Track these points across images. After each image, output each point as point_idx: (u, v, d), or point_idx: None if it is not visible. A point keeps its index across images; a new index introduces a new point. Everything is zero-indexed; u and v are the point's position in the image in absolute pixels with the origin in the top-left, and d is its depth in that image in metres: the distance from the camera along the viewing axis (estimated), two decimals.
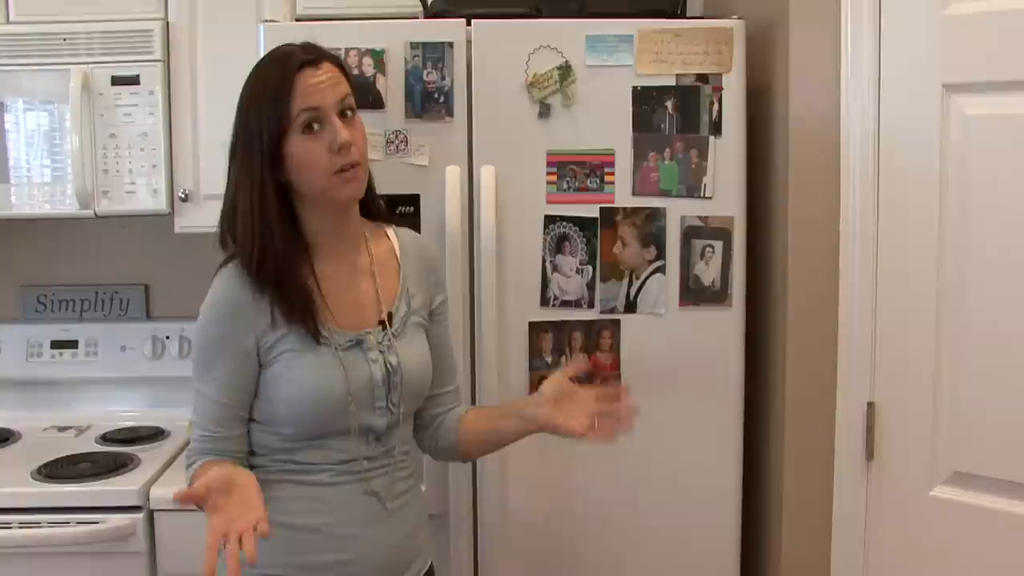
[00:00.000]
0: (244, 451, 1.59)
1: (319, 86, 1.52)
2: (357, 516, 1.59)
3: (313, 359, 1.54)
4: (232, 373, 1.55)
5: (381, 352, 1.60)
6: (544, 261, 2.02)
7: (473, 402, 2.02)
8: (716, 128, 2.00)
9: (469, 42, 1.98)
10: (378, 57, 1.96)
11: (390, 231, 1.72)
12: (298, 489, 1.57)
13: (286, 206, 1.56)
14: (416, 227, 1.98)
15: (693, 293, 2.03)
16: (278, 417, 1.56)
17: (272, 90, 1.52)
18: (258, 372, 1.56)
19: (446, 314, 1.78)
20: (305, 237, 1.59)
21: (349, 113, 1.56)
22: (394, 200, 1.93)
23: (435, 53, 1.97)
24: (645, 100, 1.99)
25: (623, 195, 2.01)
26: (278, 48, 1.58)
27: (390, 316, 1.64)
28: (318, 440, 1.57)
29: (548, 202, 2.00)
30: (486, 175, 1.97)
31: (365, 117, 1.62)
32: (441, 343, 1.75)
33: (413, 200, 1.98)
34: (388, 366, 1.60)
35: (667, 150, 2.00)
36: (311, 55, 1.54)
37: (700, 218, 2.02)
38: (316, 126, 1.52)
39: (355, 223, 1.64)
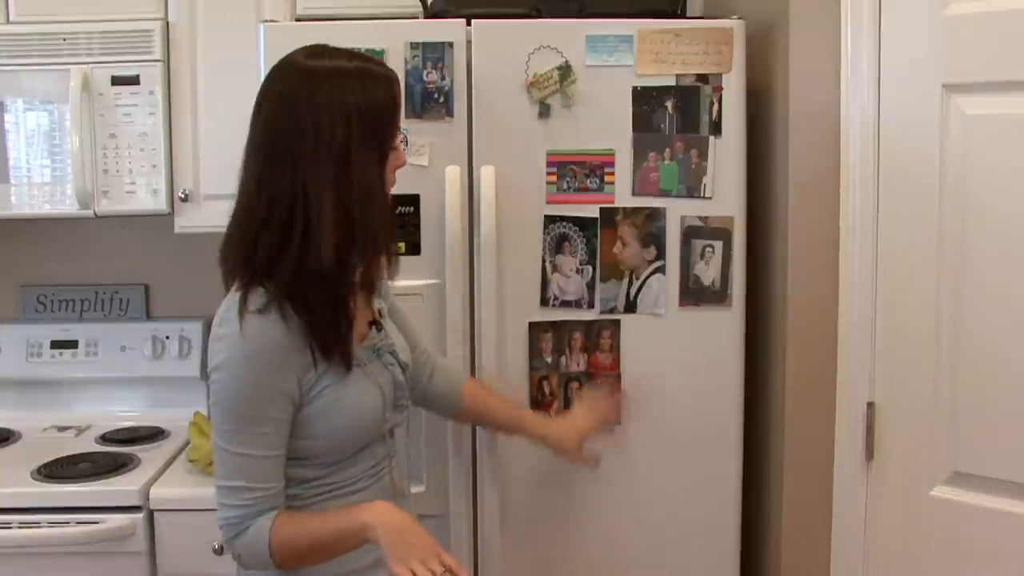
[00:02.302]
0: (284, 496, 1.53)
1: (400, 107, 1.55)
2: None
3: (352, 384, 1.52)
4: (280, 422, 1.47)
5: (389, 352, 1.62)
6: (544, 261, 2.02)
7: None
8: (716, 128, 2.00)
9: (469, 42, 1.98)
10: (378, 57, 1.96)
11: None
12: (336, 502, 1.54)
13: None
14: (416, 227, 1.98)
15: (693, 293, 2.03)
16: (317, 450, 1.52)
17: (382, 102, 1.50)
18: (295, 413, 1.49)
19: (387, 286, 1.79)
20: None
21: None
22: (394, 200, 1.92)
23: (435, 53, 1.97)
24: (645, 100, 1.99)
25: (623, 195, 2.01)
26: (364, 60, 1.54)
27: (380, 313, 1.66)
28: (353, 456, 1.56)
29: (548, 202, 2.00)
30: (486, 175, 1.97)
31: None
32: (400, 315, 1.79)
33: (413, 200, 1.98)
34: (400, 364, 1.63)
35: (667, 150, 2.00)
36: (396, 74, 1.56)
37: (700, 218, 2.02)
38: (394, 148, 1.55)
39: None
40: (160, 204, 2.44)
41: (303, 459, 1.53)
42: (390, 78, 1.53)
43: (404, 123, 1.95)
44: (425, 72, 1.97)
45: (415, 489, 1.96)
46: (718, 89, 1.99)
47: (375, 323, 1.63)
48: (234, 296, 1.47)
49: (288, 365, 1.46)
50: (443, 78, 1.97)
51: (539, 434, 1.91)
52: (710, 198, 2.01)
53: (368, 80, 1.50)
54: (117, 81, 2.41)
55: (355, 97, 1.47)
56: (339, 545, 1.48)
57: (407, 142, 1.97)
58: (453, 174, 1.97)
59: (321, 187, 1.44)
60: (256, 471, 1.46)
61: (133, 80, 2.41)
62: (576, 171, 2.00)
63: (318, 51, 1.53)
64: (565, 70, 1.98)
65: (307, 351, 1.47)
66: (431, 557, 1.40)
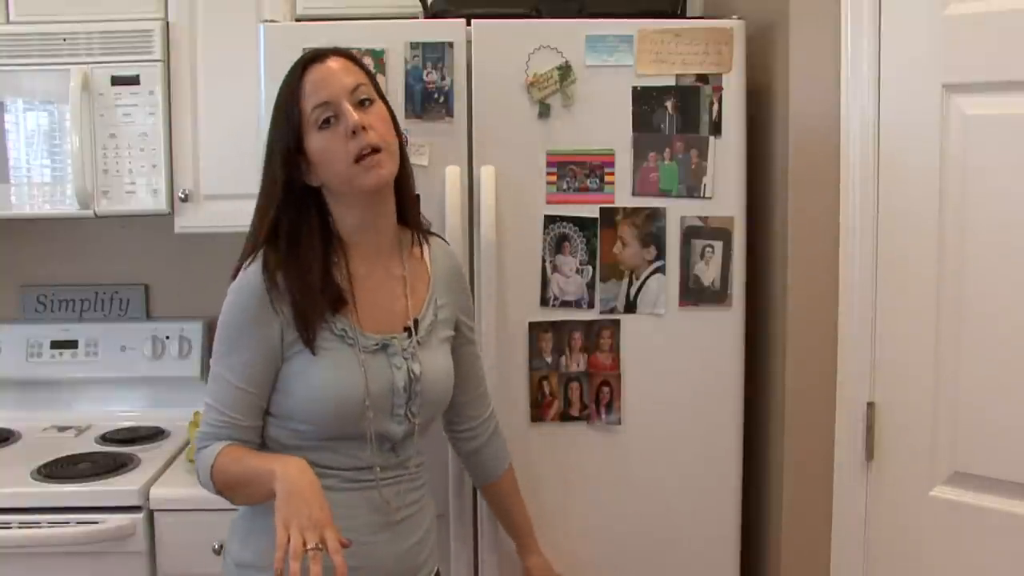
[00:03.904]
0: (257, 443, 1.58)
1: (326, 79, 1.52)
2: (363, 523, 1.57)
3: (335, 359, 1.54)
4: (256, 361, 1.53)
5: (405, 359, 1.59)
6: (544, 261, 2.02)
7: None
8: (716, 128, 2.00)
9: (469, 42, 1.98)
10: (378, 57, 1.96)
11: (424, 238, 1.72)
12: None
13: (319, 211, 1.57)
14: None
15: (693, 293, 2.03)
16: (294, 413, 1.55)
17: (285, 94, 1.54)
18: (280, 365, 1.55)
19: (473, 336, 1.81)
20: (341, 236, 1.59)
21: (367, 103, 1.55)
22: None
23: (435, 53, 1.97)
24: (645, 100, 1.99)
25: (623, 195, 2.01)
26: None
27: (416, 323, 1.63)
28: (332, 442, 1.56)
29: (548, 202, 2.00)
30: (486, 175, 1.97)
31: None
32: (469, 361, 1.80)
33: None
34: (411, 374, 1.59)
35: (667, 150, 2.00)
36: (317, 52, 1.55)
37: (700, 218, 2.02)
38: (332, 120, 1.52)
39: (390, 225, 1.63)
40: (160, 204, 2.44)
41: (281, 418, 1.56)
42: (315, 54, 1.56)
43: (404, 123, 1.97)
44: (425, 72, 1.97)
45: None
46: (718, 89, 1.99)
47: (409, 330, 1.62)
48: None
49: (271, 309, 1.52)
50: (443, 78, 1.97)
51: (522, 559, 1.95)
52: (710, 198, 2.01)
53: (288, 72, 1.57)
54: (117, 81, 2.41)
55: (278, 91, 1.57)
56: (253, 488, 1.47)
57: (407, 142, 1.96)
58: (453, 174, 1.97)
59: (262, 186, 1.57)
60: (228, 397, 1.54)
61: (133, 80, 2.41)
62: (576, 171, 2.00)
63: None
64: (565, 70, 1.98)
65: (284, 309, 1.53)
66: (313, 529, 1.34)
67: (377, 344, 1.57)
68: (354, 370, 1.54)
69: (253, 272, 1.53)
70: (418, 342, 1.62)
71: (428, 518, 1.71)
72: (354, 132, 1.50)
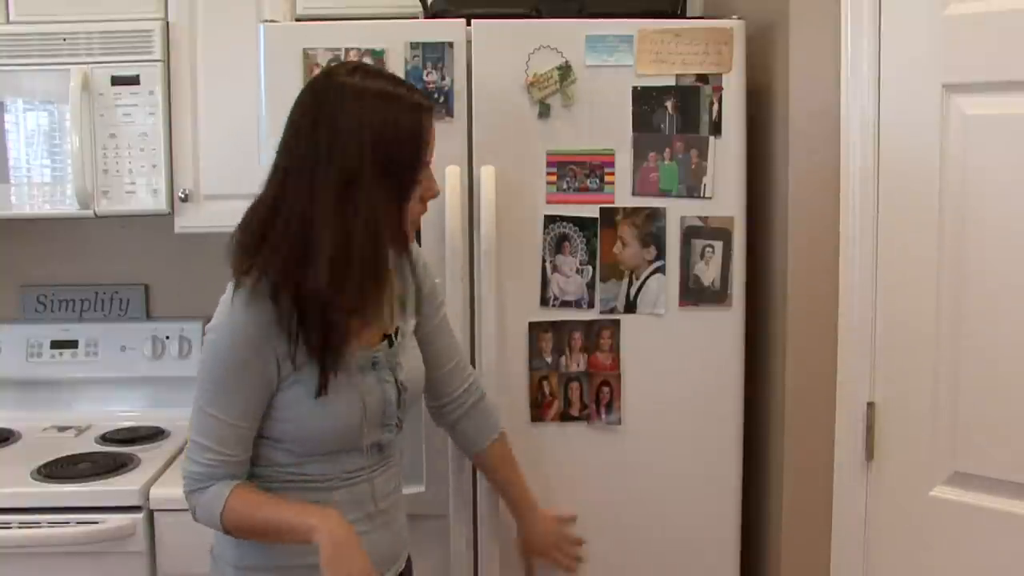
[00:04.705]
0: (249, 469, 1.57)
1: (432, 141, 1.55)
2: (360, 516, 1.60)
3: (334, 386, 1.52)
4: (252, 398, 1.51)
5: (391, 370, 1.60)
6: (544, 261, 2.02)
7: None
8: (716, 128, 2.00)
9: (469, 42, 1.98)
10: (378, 57, 1.96)
11: None
12: (303, 495, 1.56)
13: None
14: (416, 227, 1.97)
15: (693, 293, 2.03)
16: (290, 436, 1.55)
17: (409, 130, 1.51)
18: (273, 394, 1.52)
19: (442, 306, 1.81)
20: None
21: None
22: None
23: (435, 53, 1.97)
24: (645, 100, 1.99)
25: (623, 195, 2.01)
26: (397, 84, 1.54)
27: (396, 330, 1.64)
28: (326, 456, 1.57)
29: (548, 202, 2.00)
30: (486, 175, 1.97)
31: None
32: (440, 337, 1.80)
33: None
34: (399, 385, 1.61)
35: (667, 150, 2.00)
36: (430, 104, 1.56)
37: (700, 218, 2.02)
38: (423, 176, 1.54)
39: None
40: (160, 204, 2.44)
41: (276, 440, 1.55)
42: (421, 106, 1.51)
43: None
44: (425, 72, 1.97)
45: (415, 489, 1.97)
46: (718, 89, 1.99)
47: (389, 337, 1.62)
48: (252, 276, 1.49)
49: (269, 346, 1.48)
50: (443, 78, 1.97)
51: (518, 519, 1.95)
52: (710, 198, 2.01)
53: (395, 105, 1.48)
54: (117, 81, 2.41)
55: (376, 120, 1.46)
56: (283, 536, 1.51)
57: None
58: (453, 174, 1.97)
59: (326, 211, 1.44)
60: (222, 436, 1.51)
61: (133, 80, 2.41)
62: (576, 171, 2.00)
63: (358, 68, 1.53)
64: (565, 70, 1.98)
65: (290, 339, 1.48)
66: None
67: (367, 361, 1.58)
68: (350, 394, 1.54)
69: (250, 306, 1.46)
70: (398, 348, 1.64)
71: (402, 502, 1.75)
72: (428, 199, 1.56)
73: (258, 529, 1.52)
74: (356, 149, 1.44)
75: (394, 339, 1.63)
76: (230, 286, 1.50)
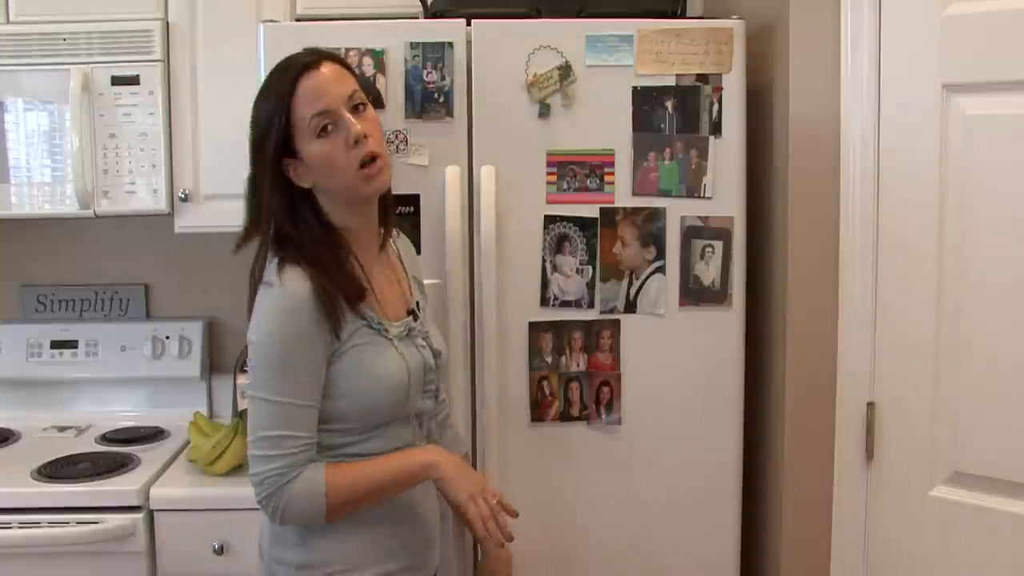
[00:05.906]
0: None
1: (324, 87, 1.53)
2: (416, 493, 1.63)
3: (381, 350, 1.57)
4: (316, 373, 1.52)
5: (424, 339, 1.67)
6: (544, 261, 2.02)
7: (472, 401, 2.02)
8: (716, 128, 2.00)
9: (469, 42, 1.98)
10: (378, 57, 1.96)
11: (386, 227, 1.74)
12: None
13: (313, 211, 1.57)
14: (416, 227, 1.98)
15: (693, 293, 2.03)
16: (340, 412, 1.56)
17: (275, 98, 1.53)
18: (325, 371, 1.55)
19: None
20: (342, 234, 1.60)
21: (361, 108, 1.56)
22: (395, 199, 1.93)
23: (435, 53, 1.97)
24: (645, 100, 1.99)
25: (623, 195, 2.01)
26: (282, 60, 1.58)
27: (417, 305, 1.71)
28: (378, 430, 1.59)
29: (548, 202, 2.00)
30: (486, 175, 1.97)
31: None
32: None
33: (413, 200, 1.98)
34: (433, 351, 1.68)
35: (667, 150, 2.00)
36: (309, 58, 1.55)
37: (700, 218, 2.02)
38: (330, 127, 1.52)
39: (375, 218, 1.66)
40: (160, 204, 2.44)
41: (327, 422, 1.56)
42: (287, 62, 1.55)
43: (404, 123, 1.97)
44: (425, 72, 1.97)
45: None
46: (718, 89, 1.99)
47: (412, 313, 1.68)
48: (271, 265, 1.53)
49: (323, 317, 1.50)
50: (443, 78, 1.97)
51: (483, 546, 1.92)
52: (710, 198, 2.01)
53: (268, 78, 1.57)
54: (117, 81, 2.41)
55: (256, 99, 1.56)
56: (399, 487, 1.58)
57: (407, 141, 1.97)
58: (453, 174, 1.97)
59: (263, 178, 1.55)
60: (299, 419, 1.51)
61: (133, 80, 2.41)
62: (576, 171, 2.00)
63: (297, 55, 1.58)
64: (565, 70, 1.98)
65: (334, 310, 1.51)
66: (484, 492, 1.56)
67: (402, 330, 1.63)
68: (396, 358, 1.58)
69: (299, 282, 1.50)
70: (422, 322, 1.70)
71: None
72: (356, 141, 1.52)
73: (371, 492, 1.55)
74: (255, 119, 1.57)
75: (417, 312, 1.69)
76: (268, 270, 1.54)
